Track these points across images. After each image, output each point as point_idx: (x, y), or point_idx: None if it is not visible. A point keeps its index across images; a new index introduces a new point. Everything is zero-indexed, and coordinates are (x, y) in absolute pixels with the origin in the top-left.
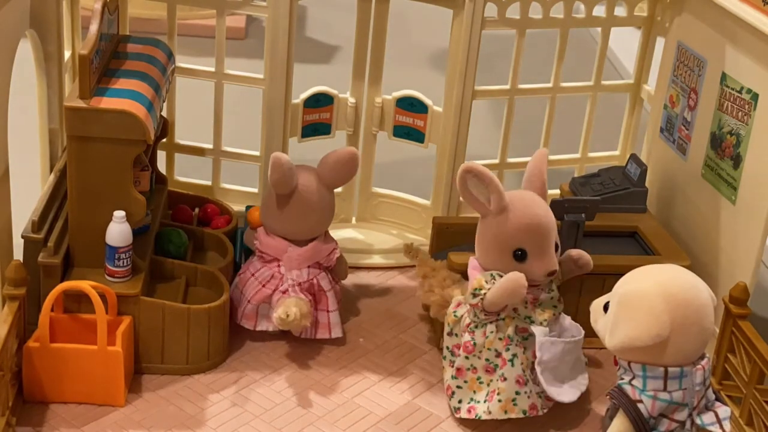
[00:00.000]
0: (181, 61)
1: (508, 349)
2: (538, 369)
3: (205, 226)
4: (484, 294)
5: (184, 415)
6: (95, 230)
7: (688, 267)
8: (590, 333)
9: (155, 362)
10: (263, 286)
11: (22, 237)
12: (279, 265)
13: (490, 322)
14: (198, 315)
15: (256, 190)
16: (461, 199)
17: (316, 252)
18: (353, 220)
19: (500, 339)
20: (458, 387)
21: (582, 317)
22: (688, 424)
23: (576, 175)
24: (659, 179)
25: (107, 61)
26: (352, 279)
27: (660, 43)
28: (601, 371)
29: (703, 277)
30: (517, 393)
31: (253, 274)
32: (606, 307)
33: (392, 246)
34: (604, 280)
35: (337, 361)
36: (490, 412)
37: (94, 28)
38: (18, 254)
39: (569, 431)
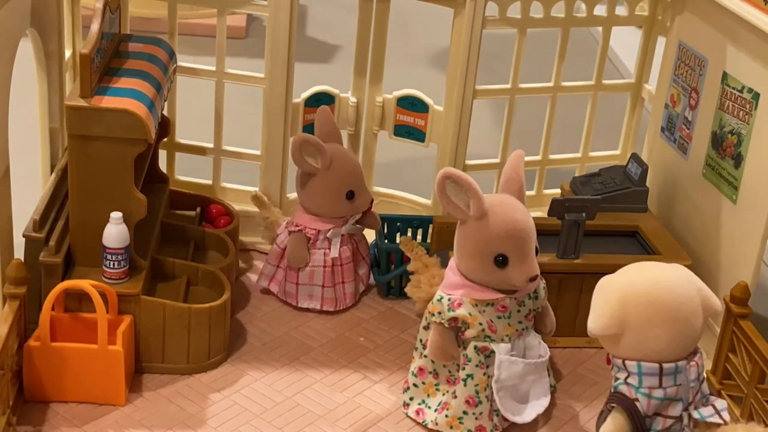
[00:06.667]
0: (182, 61)
1: (464, 369)
2: (494, 387)
3: (209, 225)
4: (440, 320)
5: (185, 415)
6: (96, 229)
7: (688, 266)
8: (579, 333)
9: (156, 361)
10: None
11: (24, 236)
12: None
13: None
14: (199, 314)
15: (256, 189)
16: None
17: (297, 213)
18: None
19: (463, 355)
20: (414, 385)
21: (582, 317)
22: (685, 419)
23: (577, 175)
24: (660, 179)
25: (108, 60)
26: None
27: (661, 42)
28: (596, 372)
29: (704, 276)
30: (464, 413)
31: None
32: None
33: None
34: None
35: (337, 361)
36: (437, 424)
37: (95, 27)
38: (19, 253)
39: None
